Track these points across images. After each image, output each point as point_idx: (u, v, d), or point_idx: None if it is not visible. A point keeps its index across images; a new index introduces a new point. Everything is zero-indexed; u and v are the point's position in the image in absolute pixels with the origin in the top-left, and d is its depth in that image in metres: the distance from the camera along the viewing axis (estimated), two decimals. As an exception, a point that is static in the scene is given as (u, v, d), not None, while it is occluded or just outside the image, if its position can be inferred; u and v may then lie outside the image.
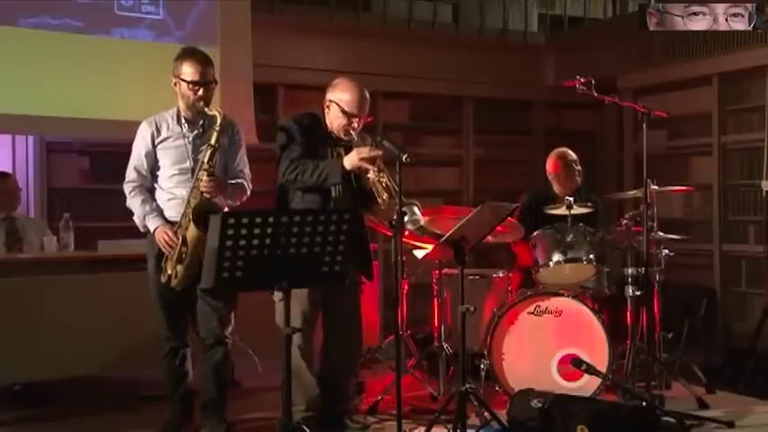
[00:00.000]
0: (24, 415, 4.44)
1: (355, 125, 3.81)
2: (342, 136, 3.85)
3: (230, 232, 2.97)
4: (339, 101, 3.81)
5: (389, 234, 4.28)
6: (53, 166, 5.87)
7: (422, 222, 3.63)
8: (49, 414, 4.46)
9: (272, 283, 3.17)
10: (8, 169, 5.49)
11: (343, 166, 3.70)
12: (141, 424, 3.86)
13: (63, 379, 4.50)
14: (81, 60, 5.40)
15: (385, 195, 3.62)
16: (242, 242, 2.99)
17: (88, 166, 5.97)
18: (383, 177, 3.64)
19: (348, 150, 3.81)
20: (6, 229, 4.96)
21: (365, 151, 3.67)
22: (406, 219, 3.51)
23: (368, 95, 3.86)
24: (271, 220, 3.02)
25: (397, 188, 3.49)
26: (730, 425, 4.03)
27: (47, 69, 5.30)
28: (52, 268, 4.48)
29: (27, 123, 5.34)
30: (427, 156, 7.09)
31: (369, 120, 3.89)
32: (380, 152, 3.68)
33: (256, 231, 3.00)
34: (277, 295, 3.28)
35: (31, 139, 5.74)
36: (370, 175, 3.66)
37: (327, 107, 3.87)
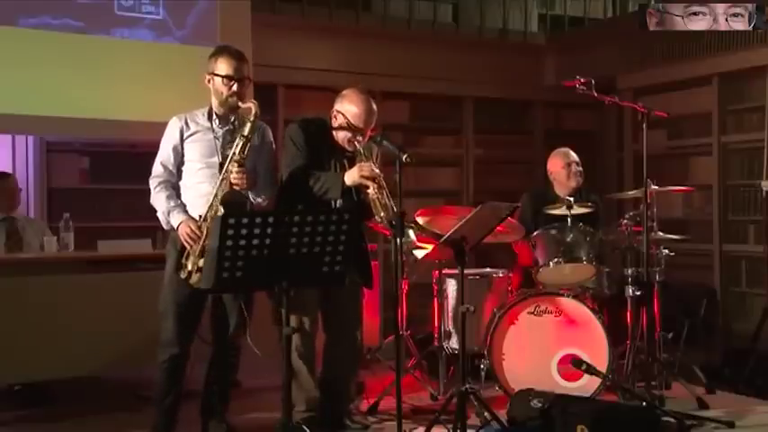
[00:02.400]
0: (24, 415, 4.44)
1: (360, 138, 3.80)
2: (346, 146, 3.85)
3: (230, 232, 2.97)
4: (346, 113, 3.82)
5: (389, 234, 4.27)
6: (53, 166, 5.87)
7: (412, 244, 3.63)
8: (49, 414, 4.46)
9: (272, 283, 3.17)
10: (8, 169, 5.49)
11: (344, 182, 3.71)
12: (141, 424, 3.86)
13: (63, 379, 4.50)
14: (81, 60, 5.39)
15: (383, 213, 3.62)
16: (242, 242, 2.99)
17: (88, 166, 5.97)
18: (383, 196, 3.63)
19: (352, 161, 3.83)
20: (6, 230, 4.96)
21: (367, 168, 3.67)
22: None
23: (375, 108, 3.86)
24: (271, 220, 3.02)
25: (395, 208, 3.50)
26: (730, 425, 4.03)
27: (47, 69, 5.29)
28: (52, 268, 4.48)
29: (27, 123, 5.33)
30: (427, 156, 7.09)
31: (374, 132, 3.88)
32: (381, 174, 3.68)
33: (256, 231, 3.00)
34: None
35: (31, 139, 5.74)
36: (370, 191, 3.66)
37: (335, 117, 3.87)
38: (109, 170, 5.82)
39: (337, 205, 3.79)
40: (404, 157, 3.39)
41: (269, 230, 3.02)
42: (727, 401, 4.57)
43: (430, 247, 4.39)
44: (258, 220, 3.00)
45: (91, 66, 5.42)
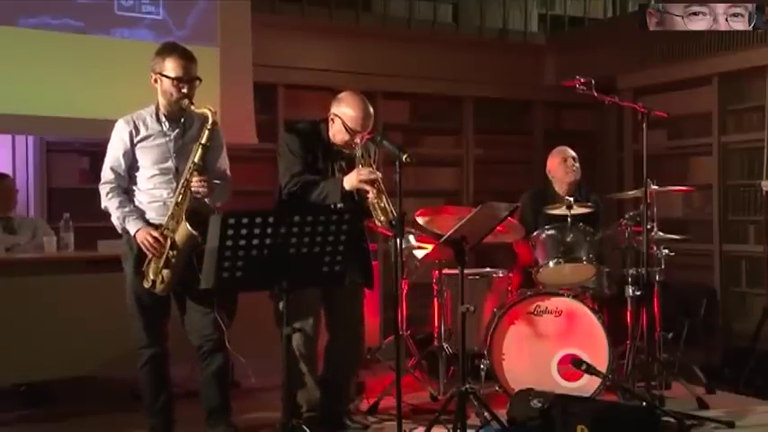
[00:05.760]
0: (24, 415, 4.44)
1: (357, 140, 3.80)
2: (343, 149, 3.85)
3: (230, 232, 2.97)
4: (343, 116, 3.80)
5: (389, 234, 4.28)
6: (53, 166, 5.87)
7: (413, 250, 3.61)
8: (49, 414, 4.46)
9: (272, 283, 3.17)
10: (8, 169, 5.49)
11: (342, 186, 3.70)
12: (141, 424, 3.85)
13: (63, 379, 4.49)
14: (81, 60, 5.40)
15: (382, 218, 3.62)
16: (242, 242, 2.99)
17: (88, 166, 5.96)
18: (382, 200, 3.63)
19: (350, 162, 3.83)
20: (3, 230, 4.96)
21: (365, 173, 3.66)
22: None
23: (372, 111, 3.84)
24: (271, 220, 3.03)
25: (394, 212, 3.50)
26: (730, 425, 4.03)
27: (47, 69, 5.29)
28: (52, 268, 4.47)
29: (27, 123, 5.33)
30: (427, 156, 7.09)
31: (371, 135, 3.88)
32: (380, 174, 3.67)
33: (256, 231, 3.01)
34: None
35: (31, 139, 5.74)
36: (370, 196, 3.65)
37: (332, 120, 3.86)
38: (109, 170, 5.82)
39: (337, 207, 3.78)
40: (404, 157, 3.39)
41: (269, 230, 3.03)
42: (727, 401, 4.57)
43: (430, 247, 4.39)
44: (258, 220, 3.01)
45: (91, 66, 5.42)
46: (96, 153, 5.94)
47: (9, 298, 4.26)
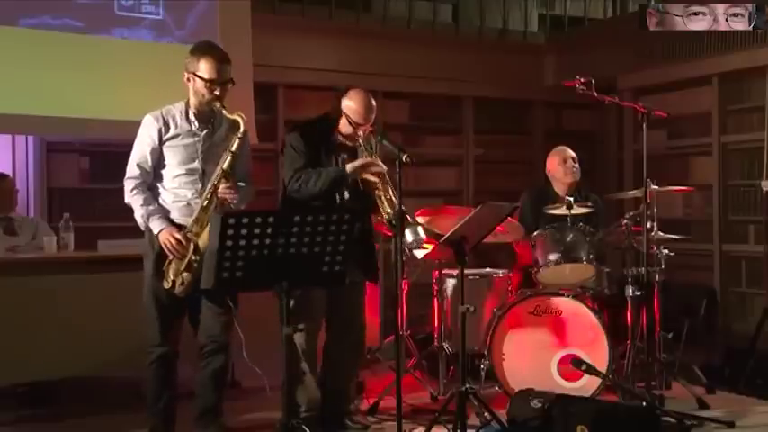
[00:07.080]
0: (24, 415, 4.44)
1: (360, 133, 3.84)
2: (347, 142, 3.89)
3: (230, 232, 2.97)
4: (346, 109, 3.85)
5: (389, 234, 4.28)
6: (53, 166, 5.87)
7: (423, 242, 3.71)
8: (49, 414, 4.46)
9: (272, 283, 3.17)
10: (8, 169, 5.49)
11: (345, 170, 3.75)
12: (141, 424, 3.85)
13: (63, 379, 4.49)
14: (81, 60, 5.40)
15: (389, 210, 3.66)
16: (242, 242, 2.99)
17: (88, 166, 5.97)
18: (389, 192, 3.67)
19: (352, 156, 3.87)
20: (4, 230, 4.96)
21: (373, 164, 3.74)
22: (410, 239, 3.58)
23: (374, 104, 3.89)
24: (271, 220, 3.03)
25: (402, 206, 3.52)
26: (730, 425, 4.03)
27: (47, 69, 5.29)
28: (52, 268, 4.47)
29: (27, 123, 5.33)
30: (427, 156, 7.09)
31: (373, 128, 3.90)
32: (385, 168, 3.71)
33: (256, 231, 3.01)
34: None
35: (31, 139, 5.74)
36: (378, 186, 3.71)
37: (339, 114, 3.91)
38: (109, 170, 5.78)
39: (344, 197, 3.80)
40: (404, 158, 3.40)
41: (269, 230, 3.03)
42: (727, 401, 4.57)
43: (430, 246, 4.38)
44: (258, 220, 3.01)
45: (91, 66, 5.42)
46: (96, 153, 5.99)
47: (9, 298, 4.26)
